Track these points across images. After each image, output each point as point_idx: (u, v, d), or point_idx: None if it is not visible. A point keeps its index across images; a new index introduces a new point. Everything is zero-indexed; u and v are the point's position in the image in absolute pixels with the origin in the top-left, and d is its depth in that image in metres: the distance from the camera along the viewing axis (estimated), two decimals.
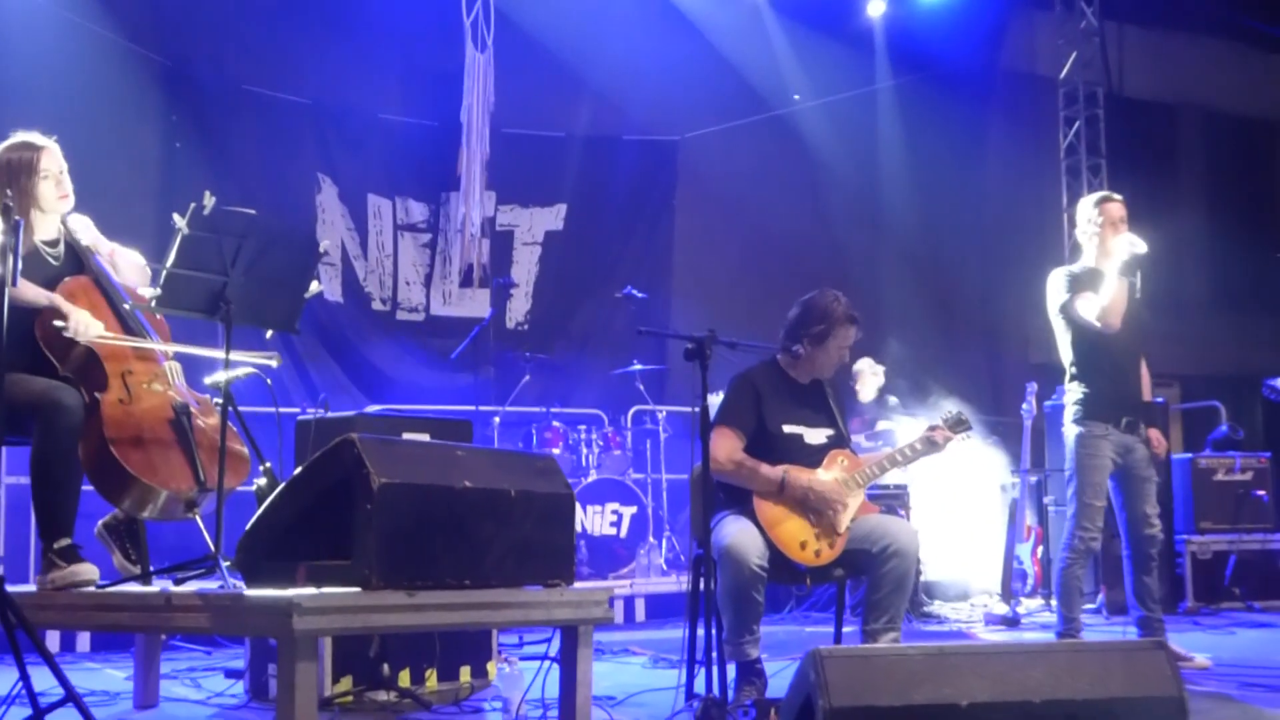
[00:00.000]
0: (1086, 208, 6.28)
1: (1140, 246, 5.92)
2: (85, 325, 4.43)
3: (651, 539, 9.23)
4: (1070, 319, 6.11)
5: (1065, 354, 6.23)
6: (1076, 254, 6.61)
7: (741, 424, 5.03)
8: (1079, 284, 6.08)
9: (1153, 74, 14.09)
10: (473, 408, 9.44)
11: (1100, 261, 6.13)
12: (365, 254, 11.12)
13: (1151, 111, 13.93)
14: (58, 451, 4.29)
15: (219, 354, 4.38)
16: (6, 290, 3.95)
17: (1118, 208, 6.17)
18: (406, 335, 11.23)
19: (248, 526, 3.80)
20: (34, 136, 4.76)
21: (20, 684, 3.85)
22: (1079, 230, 6.37)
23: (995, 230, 12.87)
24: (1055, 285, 6.17)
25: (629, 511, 9.10)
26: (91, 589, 4.22)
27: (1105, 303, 5.93)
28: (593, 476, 9.05)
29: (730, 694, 4.55)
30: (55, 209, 4.70)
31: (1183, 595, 8.94)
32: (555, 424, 9.29)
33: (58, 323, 4.40)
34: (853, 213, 12.45)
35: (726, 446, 4.95)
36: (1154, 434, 6.19)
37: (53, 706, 3.92)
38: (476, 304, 11.24)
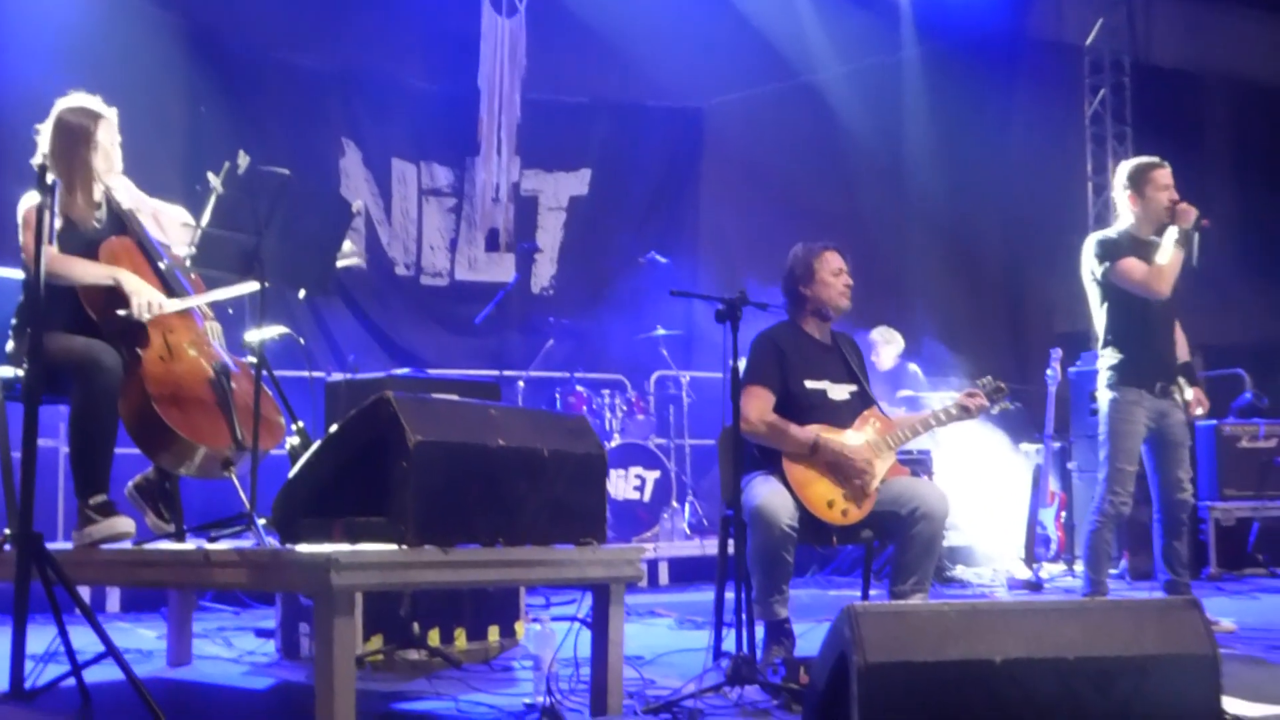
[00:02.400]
0: (1131, 173, 6.16)
1: (1204, 220, 5.90)
2: (153, 306, 4.46)
3: (674, 503, 9.24)
4: (1110, 283, 6.03)
5: (1099, 320, 6.16)
6: (1104, 221, 6.57)
7: (769, 382, 5.05)
8: (1119, 249, 6.01)
9: (1181, 42, 13.93)
10: (497, 372, 9.46)
11: (1142, 229, 6.08)
12: (389, 219, 11.11)
13: (1179, 80, 13.76)
14: (96, 410, 4.33)
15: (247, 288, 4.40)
16: (44, 252, 3.97)
17: (1164, 174, 6.07)
18: (430, 300, 11.22)
19: (283, 484, 3.82)
20: (94, 103, 4.76)
21: (58, 640, 3.91)
22: (1117, 195, 6.31)
23: (1020, 198, 12.78)
24: (1093, 250, 6.09)
25: (652, 476, 9.12)
26: (129, 545, 4.26)
27: (1163, 263, 5.88)
28: (616, 441, 9.06)
29: (759, 653, 4.59)
30: (101, 179, 4.72)
31: (1206, 561, 8.93)
32: (579, 388, 9.29)
33: (121, 311, 4.41)
34: (877, 180, 12.38)
35: (758, 406, 4.97)
36: (1197, 392, 6.17)
37: (90, 662, 3.98)
38: (501, 269, 11.22)
